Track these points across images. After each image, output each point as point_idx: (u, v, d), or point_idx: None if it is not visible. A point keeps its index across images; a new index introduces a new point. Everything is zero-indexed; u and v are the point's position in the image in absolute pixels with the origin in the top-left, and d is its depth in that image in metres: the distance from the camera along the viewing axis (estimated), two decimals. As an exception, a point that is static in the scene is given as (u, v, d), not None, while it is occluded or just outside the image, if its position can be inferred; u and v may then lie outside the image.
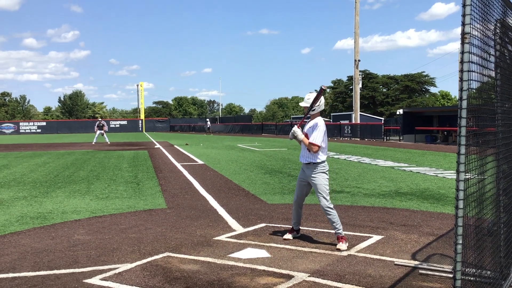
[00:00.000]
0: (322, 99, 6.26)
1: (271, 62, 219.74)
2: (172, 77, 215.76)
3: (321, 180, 6.15)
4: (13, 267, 5.40)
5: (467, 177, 2.92)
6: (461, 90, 2.75)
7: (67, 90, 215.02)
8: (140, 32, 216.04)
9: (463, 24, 2.71)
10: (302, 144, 6.25)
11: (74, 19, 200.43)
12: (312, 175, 6.17)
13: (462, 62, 2.73)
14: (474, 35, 2.86)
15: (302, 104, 6.36)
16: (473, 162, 3.13)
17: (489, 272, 3.76)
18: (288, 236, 6.54)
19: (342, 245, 6.01)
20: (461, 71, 2.73)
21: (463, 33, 2.70)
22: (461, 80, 2.75)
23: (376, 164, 17.53)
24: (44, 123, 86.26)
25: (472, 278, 3.25)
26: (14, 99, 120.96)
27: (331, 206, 6.11)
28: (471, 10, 2.77)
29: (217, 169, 16.13)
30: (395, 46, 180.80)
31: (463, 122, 2.74)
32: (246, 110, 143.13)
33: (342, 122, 47.01)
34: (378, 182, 12.40)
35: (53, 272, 5.20)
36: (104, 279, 4.94)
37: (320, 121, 6.20)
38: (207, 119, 70.55)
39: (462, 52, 2.72)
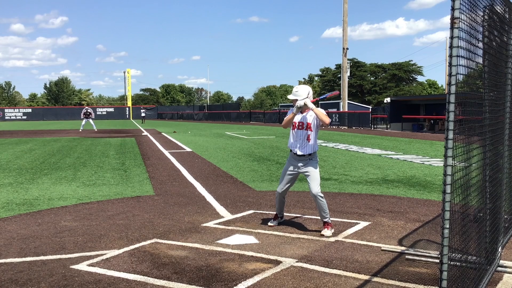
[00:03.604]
0: (310, 91, 6.17)
1: (259, 50, 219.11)
2: (160, 64, 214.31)
3: (317, 168, 6.16)
4: (-1, 253, 5.35)
5: (454, 163, 2.93)
6: (449, 75, 2.75)
7: (54, 77, 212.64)
8: (128, 18, 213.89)
9: (453, 9, 2.70)
10: (299, 135, 6.11)
11: (63, 5, 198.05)
12: (309, 165, 6.12)
13: (451, 47, 2.73)
14: (463, 20, 2.86)
15: (290, 96, 6.21)
16: (460, 148, 3.15)
17: (475, 257, 3.81)
18: (274, 223, 6.55)
19: (327, 231, 6.05)
20: (450, 56, 2.73)
21: (453, 18, 2.69)
22: (450, 65, 2.75)
23: (363, 152, 17.62)
24: (30, 110, 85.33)
25: (458, 263, 3.28)
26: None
27: (322, 194, 6.12)
28: (460, -5, 2.77)
29: (205, 157, 16.10)
30: (383, 34, 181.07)
31: (451, 107, 2.75)
32: (234, 98, 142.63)
33: (330, 110, 47.07)
34: (365, 170, 12.47)
35: (40, 258, 5.17)
36: (91, 265, 4.92)
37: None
38: (142, 109, 70.10)
39: (452, 37, 2.72)
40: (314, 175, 6.10)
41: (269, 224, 6.55)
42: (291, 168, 6.26)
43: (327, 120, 6.01)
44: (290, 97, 6.21)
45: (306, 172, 6.13)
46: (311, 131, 6.09)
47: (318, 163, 6.31)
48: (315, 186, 6.05)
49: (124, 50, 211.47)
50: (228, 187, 9.85)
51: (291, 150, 6.25)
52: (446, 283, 2.91)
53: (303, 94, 6.10)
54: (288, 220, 6.81)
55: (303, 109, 6.14)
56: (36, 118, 79.64)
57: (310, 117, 6.11)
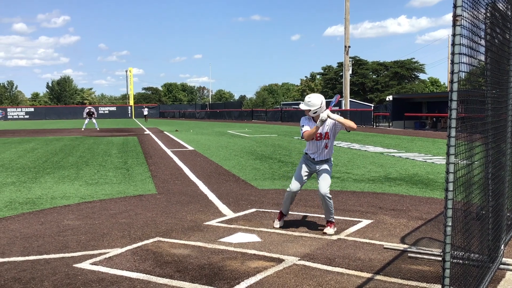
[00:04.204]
0: (323, 100, 6.07)
1: (261, 48, 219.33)
2: (162, 63, 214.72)
3: (330, 169, 6.18)
4: (2, 252, 5.37)
5: (457, 161, 2.93)
6: (452, 73, 2.75)
7: (56, 76, 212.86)
8: (129, 17, 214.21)
9: (455, 6, 2.70)
10: (318, 145, 6.06)
11: (65, 4, 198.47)
12: (323, 166, 6.13)
13: (453, 44, 2.73)
14: (465, 17, 2.86)
15: (302, 107, 6.08)
16: (462, 145, 3.14)
17: (477, 255, 3.80)
18: (280, 223, 6.45)
19: (330, 230, 6.05)
20: (452, 53, 2.73)
21: (455, 15, 2.69)
22: (452, 62, 2.74)
23: (365, 150, 17.61)
24: (32, 109, 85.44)
25: (460, 261, 3.28)
26: (1, 84, 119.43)
27: (330, 195, 6.11)
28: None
29: (207, 155, 16.11)
30: (384, 32, 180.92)
31: (454, 104, 2.75)
32: (236, 97, 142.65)
33: (332, 108, 46.98)
34: (367, 168, 12.46)
35: (43, 256, 5.18)
36: (94, 263, 4.93)
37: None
38: (145, 108, 68.68)
39: (454, 35, 2.71)
40: (326, 175, 6.10)
41: (275, 226, 6.44)
42: (307, 168, 6.23)
43: (354, 125, 6.00)
44: (302, 107, 6.08)
45: (319, 171, 6.14)
46: (329, 139, 6.09)
47: (332, 166, 6.32)
48: (325, 186, 6.03)
49: (126, 49, 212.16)
50: (231, 186, 9.85)
51: (306, 153, 6.24)
52: (449, 281, 2.91)
53: (316, 103, 5.99)
54: (290, 219, 6.81)
55: (317, 116, 6.05)
56: (39, 117, 79.76)
57: (327, 126, 6.06)
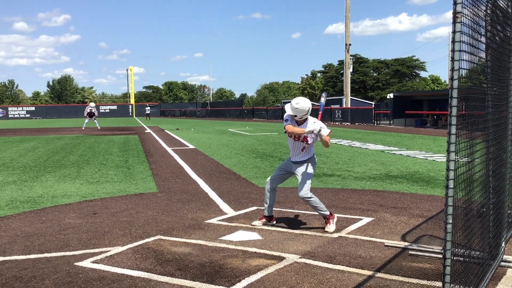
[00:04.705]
0: (310, 107, 5.92)
1: (262, 47, 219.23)
2: (163, 61, 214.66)
3: (309, 170, 6.09)
4: (4, 250, 5.38)
5: (457, 158, 2.93)
6: (452, 70, 2.75)
7: (57, 75, 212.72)
8: (130, 16, 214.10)
9: (455, 3, 2.69)
10: (295, 146, 6.05)
11: (65, 3, 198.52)
12: (301, 167, 6.09)
13: (453, 41, 2.72)
14: (465, 14, 2.85)
15: (289, 111, 5.93)
16: (463, 143, 3.14)
17: (478, 252, 3.80)
18: (261, 223, 6.39)
19: (330, 227, 6.04)
20: (453, 50, 2.73)
21: (455, 12, 2.68)
22: (452, 60, 2.74)
23: (366, 148, 17.60)
24: (33, 108, 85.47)
25: (461, 259, 3.27)
26: (2, 83, 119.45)
27: (309, 194, 6.01)
28: (463, -11, 2.75)
29: (208, 154, 16.11)
30: (385, 30, 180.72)
31: (454, 102, 2.74)
32: (237, 95, 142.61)
33: (332, 106, 47.02)
34: (368, 166, 12.45)
35: (44, 255, 5.19)
36: (95, 262, 4.94)
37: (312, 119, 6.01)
38: (147, 107, 68.09)
39: (454, 32, 2.71)
40: (302, 178, 6.04)
41: (255, 224, 6.37)
42: (285, 167, 6.29)
43: (327, 146, 6.04)
44: (288, 110, 5.94)
45: (297, 173, 6.14)
46: (307, 144, 6.03)
47: (316, 165, 6.29)
48: (301, 189, 6.00)
49: (126, 48, 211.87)
50: (231, 184, 9.86)
51: None
52: (449, 278, 2.91)
53: (304, 109, 5.86)
54: (291, 217, 6.81)
55: (301, 120, 6.00)
56: (40, 116, 79.79)
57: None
